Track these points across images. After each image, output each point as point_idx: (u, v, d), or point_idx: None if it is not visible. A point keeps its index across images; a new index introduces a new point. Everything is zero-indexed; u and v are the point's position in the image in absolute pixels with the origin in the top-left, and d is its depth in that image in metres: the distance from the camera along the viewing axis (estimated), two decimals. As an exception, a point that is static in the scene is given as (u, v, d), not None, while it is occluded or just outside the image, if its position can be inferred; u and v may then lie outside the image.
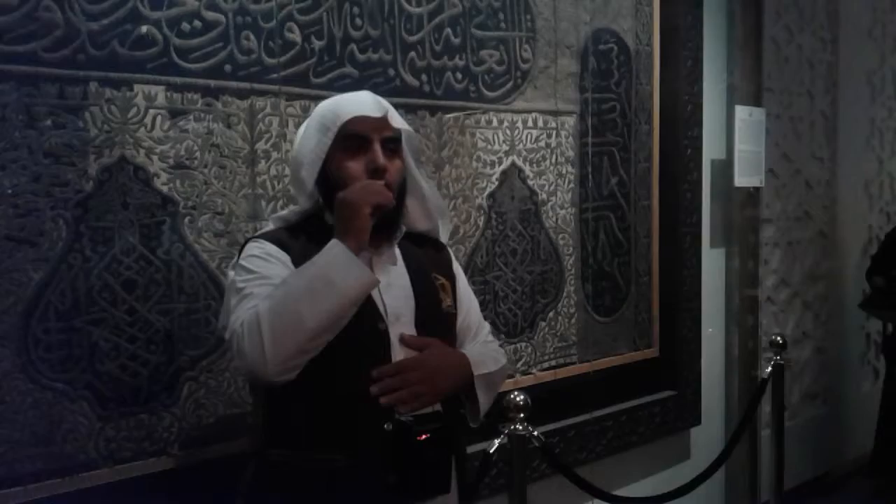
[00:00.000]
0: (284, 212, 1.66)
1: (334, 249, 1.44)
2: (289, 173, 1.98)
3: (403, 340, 1.54)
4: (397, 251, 1.64)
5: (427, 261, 1.68)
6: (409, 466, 1.48)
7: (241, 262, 1.52)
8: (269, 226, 1.65)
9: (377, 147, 1.54)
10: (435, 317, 1.62)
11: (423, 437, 1.48)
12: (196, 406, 1.87)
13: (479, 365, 1.64)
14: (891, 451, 3.89)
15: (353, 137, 1.53)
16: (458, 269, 1.79)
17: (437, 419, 1.53)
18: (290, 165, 1.65)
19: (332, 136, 1.53)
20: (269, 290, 1.43)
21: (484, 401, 1.66)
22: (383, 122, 1.55)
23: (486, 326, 1.82)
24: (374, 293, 1.54)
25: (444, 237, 1.79)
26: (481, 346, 1.74)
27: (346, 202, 1.47)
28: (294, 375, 1.41)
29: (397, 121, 1.58)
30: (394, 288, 1.59)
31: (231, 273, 1.55)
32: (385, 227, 1.57)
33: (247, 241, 1.60)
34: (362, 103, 1.56)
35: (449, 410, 1.59)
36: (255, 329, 1.37)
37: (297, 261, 1.50)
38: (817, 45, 4.01)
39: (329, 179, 1.56)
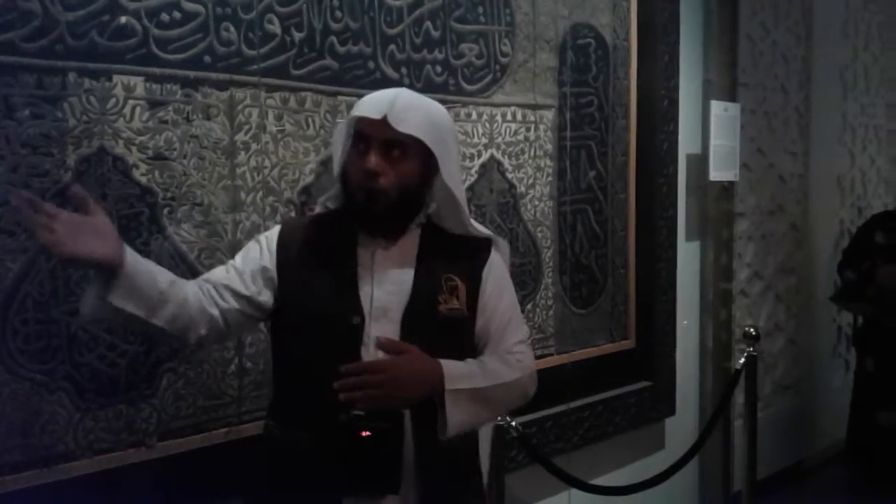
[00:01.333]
0: (329, 197, 1.73)
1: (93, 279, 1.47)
2: (273, 166, 2.03)
3: (379, 342, 1.52)
4: (414, 247, 1.65)
5: (448, 260, 1.65)
6: (354, 460, 1.50)
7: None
8: (316, 208, 1.77)
9: (372, 149, 1.54)
10: (427, 317, 1.59)
11: (365, 434, 1.48)
12: (175, 397, 1.87)
13: (460, 379, 1.55)
14: (863, 441, 3.96)
15: (358, 137, 1.58)
16: (494, 274, 1.71)
17: (390, 420, 1.50)
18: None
19: (348, 133, 1.60)
20: (222, 269, 1.64)
21: (457, 416, 1.54)
22: (383, 124, 1.52)
23: (516, 337, 1.71)
24: (365, 286, 1.59)
25: (504, 256, 1.78)
26: (492, 358, 1.65)
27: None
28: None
29: (402, 124, 1.53)
30: (389, 283, 1.60)
31: None
32: (382, 223, 1.60)
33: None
34: (371, 104, 1.57)
35: (420, 415, 1.56)
36: None
37: (286, 259, 1.62)
38: (791, 42, 4.06)
39: (345, 176, 1.63)
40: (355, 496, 1.54)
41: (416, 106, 1.59)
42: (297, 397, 1.61)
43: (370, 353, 1.55)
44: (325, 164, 2.09)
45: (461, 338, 1.65)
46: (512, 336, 1.70)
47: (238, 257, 1.67)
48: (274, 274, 1.62)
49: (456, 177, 1.65)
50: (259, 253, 1.64)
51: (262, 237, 1.68)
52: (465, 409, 1.56)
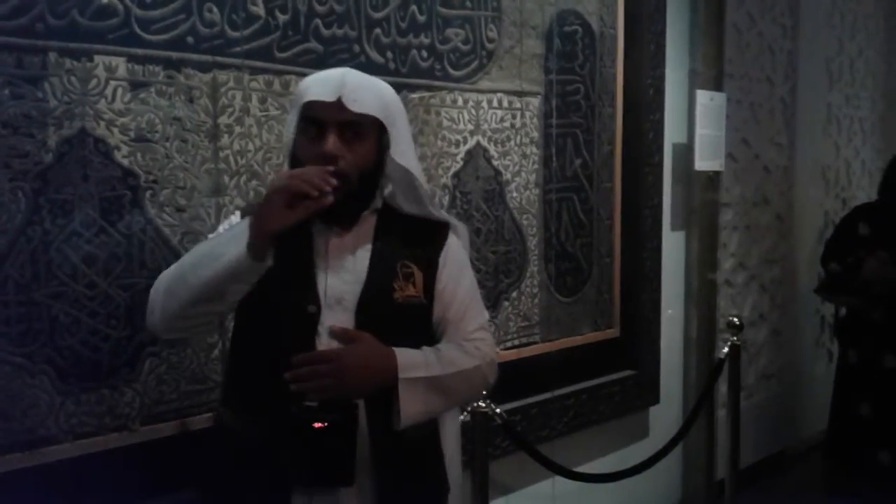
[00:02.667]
0: None
1: (239, 226, 1.48)
2: (256, 149, 2.01)
3: (333, 331, 1.50)
4: (368, 234, 1.61)
5: (404, 246, 1.62)
6: (305, 452, 1.45)
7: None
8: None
9: (329, 132, 1.49)
10: (382, 305, 1.56)
11: (318, 425, 1.43)
12: (158, 381, 1.86)
13: (414, 368, 1.52)
14: (844, 432, 3.98)
15: (310, 121, 1.52)
16: (451, 259, 1.68)
17: (344, 410, 1.47)
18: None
19: (296, 118, 1.54)
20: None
21: (411, 406, 1.51)
22: (338, 105, 1.48)
23: (475, 324, 1.68)
24: (320, 274, 1.55)
25: (445, 219, 1.72)
26: (449, 345, 1.63)
27: (270, 187, 1.47)
28: (186, 335, 1.62)
29: (358, 105, 1.49)
30: (344, 271, 1.57)
31: None
32: (345, 208, 1.54)
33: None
34: (320, 86, 1.51)
35: (375, 405, 1.53)
36: (158, 287, 1.54)
37: None
38: (778, 32, 4.07)
39: (297, 160, 1.54)
40: (306, 489, 1.50)
41: (366, 85, 1.56)
42: (250, 387, 1.57)
43: (324, 343, 1.52)
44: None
45: (418, 326, 1.63)
46: (471, 322, 1.67)
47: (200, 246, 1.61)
48: None
49: (409, 155, 1.62)
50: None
51: (232, 220, 1.65)
52: (419, 399, 1.52)
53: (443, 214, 1.73)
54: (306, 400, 1.44)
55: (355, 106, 1.49)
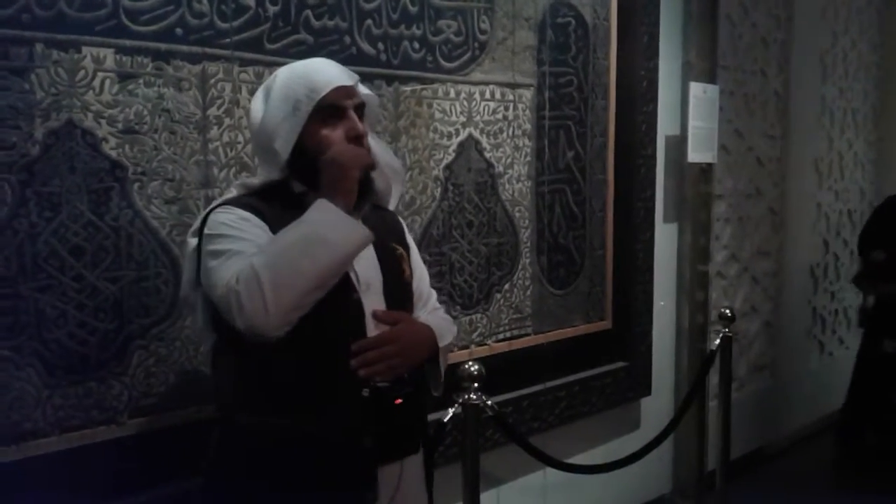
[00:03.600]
0: (249, 179, 1.66)
1: (323, 207, 1.46)
2: (247, 141, 1.98)
3: (376, 316, 1.57)
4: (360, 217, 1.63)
5: (385, 230, 1.69)
6: (386, 430, 1.54)
7: (214, 229, 1.50)
8: (232, 192, 1.62)
9: (353, 115, 1.56)
10: (399, 287, 1.66)
11: (399, 401, 1.54)
12: (146, 374, 1.85)
13: (441, 337, 1.70)
14: (868, 418, 4.02)
15: (329, 108, 1.54)
16: (409, 237, 1.81)
17: (409, 384, 1.58)
18: (257, 136, 1.60)
19: (310, 108, 1.53)
20: (255, 250, 1.44)
21: (444, 370, 1.75)
22: (354, 90, 1.57)
23: (434, 294, 1.86)
24: None
25: (393, 204, 1.78)
26: (434, 316, 1.77)
27: (336, 163, 1.49)
28: (288, 330, 1.43)
29: (363, 88, 1.61)
30: (363, 257, 1.59)
31: (192, 241, 1.56)
32: (365, 189, 1.59)
33: (211, 209, 1.56)
34: (334, 74, 1.56)
35: (415, 377, 1.64)
36: (254, 283, 1.38)
37: (273, 225, 1.51)
38: (771, 24, 4.06)
39: (304, 151, 1.54)
40: (386, 464, 1.57)
41: None
42: (304, 383, 1.50)
43: (371, 328, 1.57)
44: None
45: (412, 302, 1.74)
46: (433, 295, 1.85)
47: (233, 236, 1.49)
48: None
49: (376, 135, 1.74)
50: (254, 224, 1.52)
51: (227, 217, 1.52)
52: (445, 364, 1.76)
53: (397, 187, 1.80)
54: (375, 382, 1.52)
55: (363, 89, 1.61)
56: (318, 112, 1.53)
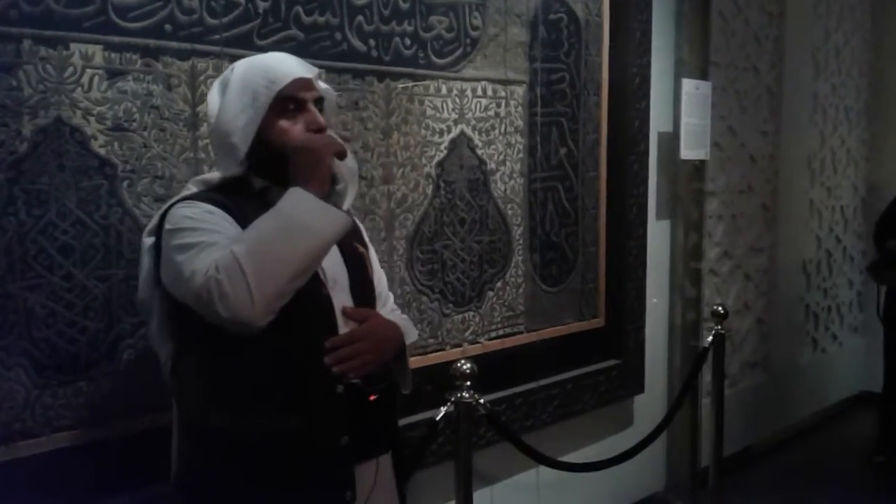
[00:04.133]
0: (206, 175, 1.61)
1: (297, 195, 1.43)
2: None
3: (346, 312, 1.56)
4: None
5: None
6: (362, 427, 1.53)
7: (178, 223, 1.44)
8: (191, 188, 1.56)
9: (313, 108, 1.54)
10: (364, 284, 1.66)
11: (373, 397, 1.53)
12: (136, 374, 1.84)
13: (406, 334, 1.70)
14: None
15: (289, 101, 1.52)
16: (367, 239, 1.81)
17: (383, 380, 1.58)
18: (214, 130, 1.55)
19: (269, 101, 1.49)
20: (228, 241, 1.39)
21: (409, 367, 1.75)
22: (313, 83, 1.56)
23: (392, 296, 1.87)
24: None
25: (347, 204, 1.65)
26: (394, 314, 1.76)
27: (309, 149, 1.47)
28: (271, 319, 1.38)
29: (321, 83, 1.61)
30: (328, 255, 1.55)
31: (147, 240, 1.50)
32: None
33: (169, 205, 1.50)
34: (293, 66, 1.55)
35: (386, 374, 1.64)
36: (236, 271, 1.33)
37: (239, 220, 1.46)
38: (764, 20, 4.06)
39: (264, 144, 1.51)
40: (363, 462, 1.55)
41: None
42: (276, 381, 1.47)
43: (341, 324, 1.55)
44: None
45: (376, 300, 1.72)
46: (390, 295, 1.84)
47: (202, 228, 1.43)
48: None
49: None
50: (221, 217, 1.47)
51: (190, 211, 1.46)
52: (408, 361, 1.75)
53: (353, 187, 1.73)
54: (348, 379, 1.51)
55: (321, 84, 1.61)
56: (277, 104, 1.50)
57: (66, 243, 1.72)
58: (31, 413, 1.70)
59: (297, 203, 1.42)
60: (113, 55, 1.77)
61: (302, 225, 1.40)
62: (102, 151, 1.77)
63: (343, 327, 1.55)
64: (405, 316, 1.83)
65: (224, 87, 1.55)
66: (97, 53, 1.74)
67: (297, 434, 1.47)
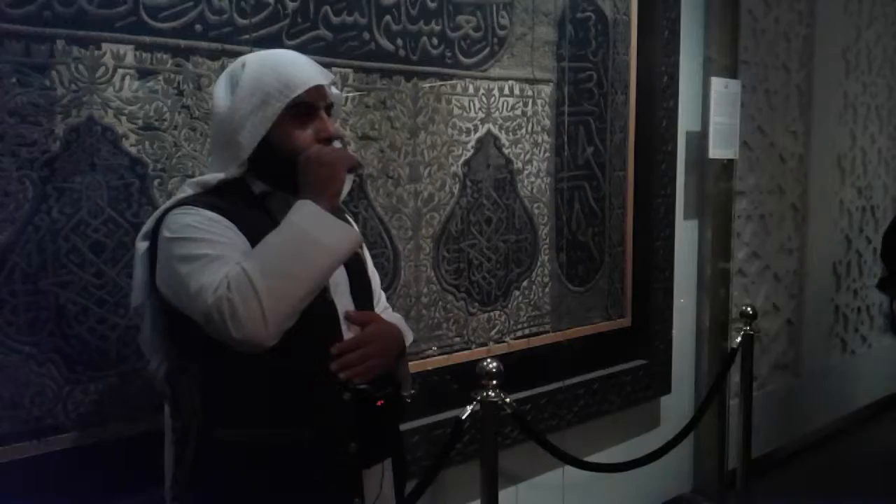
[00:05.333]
0: (202, 177, 1.52)
1: (309, 209, 1.39)
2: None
3: (348, 317, 1.55)
4: None
5: None
6: (370, 432, 1.52)
7: (179, 231, 1.40)
8: (187, 191, 1.50)
9: (325, 115, 1.51)
10: (363, 287, 1.65)
11: (381, 402, 1.52)
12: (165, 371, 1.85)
13: (405, 334, 1.69)
14: None
15: (302, 106, 1.48)
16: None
17: (388, 384, 1.57)
18: (219, 126, 1.50)
19: (283, 105, 1.45)
20: (236, 253, 1.36)
21: (408, 369, 1.74)
22: (326, 89, 1.53)
23: (384, 294, 1.85)
24: None
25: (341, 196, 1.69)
26: (387, 313, 1.76)
27: (324, 163, 1.44)
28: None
29: (334, 88, 1.59)
30: None
31: (141, 244, 1.47)
32: None
33: (165, 209, 1.45)
34: (310, 72, 1.50)
35: (390, 377, 1.62)
36: (248, 290, 1.29)
37: (240, 226, 1.43)
38: (794, 19, 4.01)
39: (269, 148, 1.47)
40: (371, 465, 1.55)
41: None
42: (283, 389, 1.45)
43: (345, 329, 1.54)
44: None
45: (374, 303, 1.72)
46: (382, 293, 1.82)
47: (206, 239, 1.39)
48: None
49: None
50: (224, 225, 1.42)
51: (192, 218, 1.42)
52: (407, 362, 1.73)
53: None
54: (355, 385, 1.49)
55: (334, 90, 1.58)
56: (289, 109, 1.46)
57: (98, 241, 1.74)
58: (62, 408, 1.72)
59: (309, 219, 1.39)
60: (144, 55, 1.79)
61: (315, 241, 1.37)
62: (133, 150, 1.79)
63: (347, 332, 1.53)
64: (398, 315, 1.80)
65: (234, 84, 1.49)
66: (129, 53, 1.76)
67: (304, 442, 1.45)
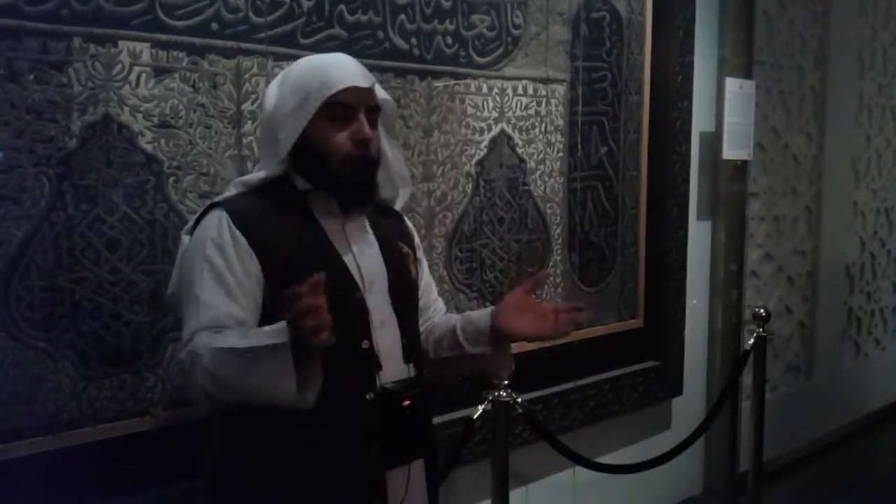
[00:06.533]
0: (248, 176, 1.59)
1: (283, 355, 1.29)
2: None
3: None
4: (365, 219, 1.63)
5: (391, 230, 1.68)
6: (394, 433, 1.50)
7: (200, 244, 1.46)
8: (231, 190, 1.56)
9: (363, 118, 1.50)
10: (404, 285, 1.63)
11: (407, 402, 1.50)
12: (180, 367, 1.86)
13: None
14: None
15: (340, 107, 1.49)
16: (419, 242, 1.80)
17: (416, 385, 1.56)
18: (266, 124, 1.56)
19: (319, 103, 1.47)
20: (222, 299, 1.41)
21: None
22: (370, 92, 1.53)
23: (436, 292, 1.84)
24: (350, 260, 1.54)
25: (399, 204, 1.76)
26: (445, 317, 1.79)
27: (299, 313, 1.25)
28: None
29: (381, 92, 1.58)
30: (367, 255, 1.58)
31: (185, 238, 1.53)
32: (368, 192, 1.57)
33: (208, 207, 1.52)
34: (351, 73, 1.51)
35: (421, 378, 1.62)
36: (198, 378, 1.36)
37: (257, 239, 1.45)
38: (809, 19, 3.99)
39: (308, 146, 1.50)
40: (394, 469, 1.54)
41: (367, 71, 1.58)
42: None
43: (376, 327, 1.54)
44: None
45: (417, 302, 1.72)
46: (433, 292, 1.83)
47: (213, 274, 1.44)
48: (258, 269, 1.46)
49: (390, 136, 1.69)
50: (234, 256, 1.45)
51: (213, 233, 1.46)
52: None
53: (405, 192, 1.78)
54: (382, 383, 1.50)
55: (381, 93, 1.56)
56: (327, 108, 1.48)
57: (113, 238, 1.75)
58: (76, 404, 1.73)
59: (276, 363, 1.29)
60: (160, 53, 1.80)
61: (265, 377, 1.30)
62: (149, 148, 1.79)
63: (378, 329, 1.54)
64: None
65: (283, 83, 1.54)
66: (145, 51, 1.77)
67: (325, 442, 1.45)
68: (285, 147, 1.50)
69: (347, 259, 1.54)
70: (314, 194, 1.55)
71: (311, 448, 1.46)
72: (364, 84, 1.51)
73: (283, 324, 1.29)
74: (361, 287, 1.53)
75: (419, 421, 1.56)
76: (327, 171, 1.51)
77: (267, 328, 1.35)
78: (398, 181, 1.72)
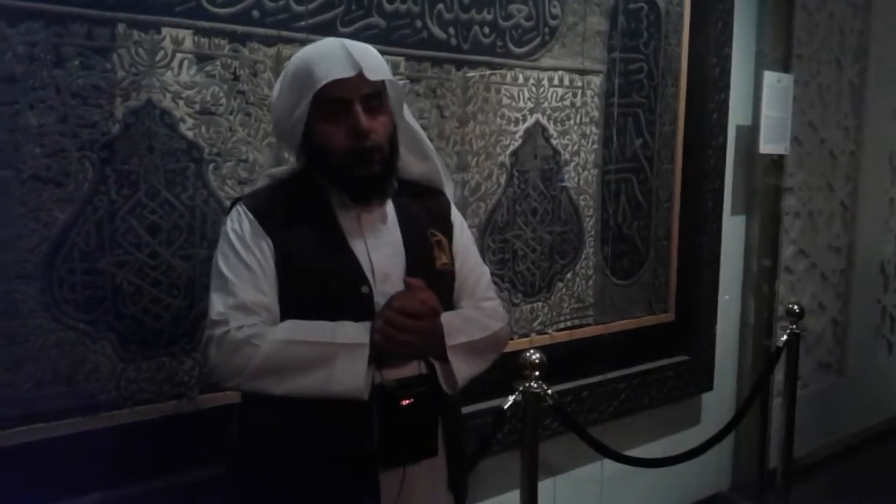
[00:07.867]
0: (277, 169, 1.61)
1: (359, 353, 1.40)
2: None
3: (407, 283, 1.48)
4: (390, 207, 1.59)
5: (423, 215, 1.62)
6: (392, 432, 1.46)
7: (227, 234, 1.49)
8: (260, 183, 1.60)
9: (358, 109, 1.44)
10: (427, 277, 1.52)
11: (406, 402, 1.45)
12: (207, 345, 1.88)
13: (457, 333, 1.53)
14: None
15: (331, 102, 1.44)
16: (456, 217, 1.71)
17: (422, 383, 1.50)
18: (273, 120, 1.58)
19: (308, 102, 1.44)
20: (245, 284, 1.44)
21: (464, 368, 1.54)
22: (360, 79, 1.43)
23: (485, 280, 1.71)
24: (362, 253, 1.51)
25: (448, 188, 1.71)
26: (472, 309, 1.64)
27: (402, 328, 1.43)
28: None
29: (375, 73, 1.45)
30: (383, 247, 1.54)
31: (228, 230, 1.52)
32: (377, 184, 1.51)
33: (235, 200, 1.56)
34: (334, 64, 1.42)
35: (427, 377, 1.53)
36: (250, 366, 1.39)
37: (271, 229, 1.47)
38: (849, 13, 3.93)
39: (312, 143, 1.49)
40: (392, 467, 1.49)
41: (369, 50, 1.50)
42: None
43: None
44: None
45: (450, 291, 1.62)
46: (482, 280, 1.69)
47: (234, 261, 1.47)
48: (273, 262, 1.48)
49: (408, 111, 1.62)
50: (254, 245, 1.47)
51: (236, 224, 1.50)
52: (467, 361, 1.55)
53: (444, 169, 1.72)
54: (382, 382, 1.45)
55: (375, 74, 1.44)
56: (321, 105, 1.44)
57: (154, 223, 1.77)
58: (115, 385, 1.76)
59: (349, 364, 1.40)
60: (202, 40, 1.81)
61: (326, 378, 1.39)
62: (190, 134, 1.81)
63: None
64: (492, 309, 1.67)
65: (283, 80, 1.52)
66: (187, 38, 1.79)
67: (317, 433, 1.44)
68: (293, 142, 1.52)
69: (359, 251, 1.51)
70: (336, 195, 1.53)
71: (304, 438, 1.45)
72: (348, 73, 1.41)
73: (366, 324, 1.39)
74: (371, 281, 1.49)
75: (422, 421, 1.49)
76: (331, 166, 1.49)
77: (348, 325, 1.42)
78: (431, 153, 1.65)
